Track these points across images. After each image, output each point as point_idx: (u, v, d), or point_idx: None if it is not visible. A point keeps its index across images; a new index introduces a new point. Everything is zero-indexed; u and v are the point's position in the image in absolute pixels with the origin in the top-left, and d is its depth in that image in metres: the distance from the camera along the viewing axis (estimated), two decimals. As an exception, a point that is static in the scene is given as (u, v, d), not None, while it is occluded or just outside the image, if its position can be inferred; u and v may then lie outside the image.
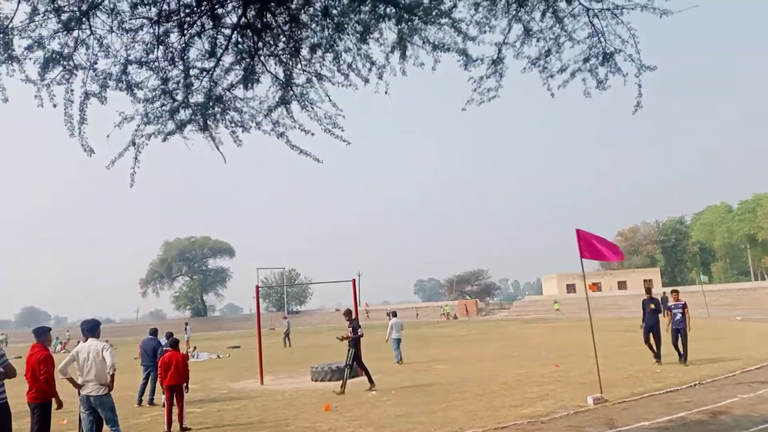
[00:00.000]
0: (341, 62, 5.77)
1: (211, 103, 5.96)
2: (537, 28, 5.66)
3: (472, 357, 19.84)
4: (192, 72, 5.77)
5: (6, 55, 4.99)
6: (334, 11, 5.46)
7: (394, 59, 5.78)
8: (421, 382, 13.92)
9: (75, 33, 5.17)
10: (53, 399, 7.50)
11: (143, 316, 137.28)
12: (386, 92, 5.99)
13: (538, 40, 5.71)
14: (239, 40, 5.66)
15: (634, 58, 5.49)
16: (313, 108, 5.97)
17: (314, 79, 5.90)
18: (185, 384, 10.13)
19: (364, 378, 14.20)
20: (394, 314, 20.28)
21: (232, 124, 6.11)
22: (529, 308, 66.93)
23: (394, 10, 5.41)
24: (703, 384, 11.15)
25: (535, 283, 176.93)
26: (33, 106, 5.31)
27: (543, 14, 5.57)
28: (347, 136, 6.05)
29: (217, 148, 6.16)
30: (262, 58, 5.79)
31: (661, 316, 15.02)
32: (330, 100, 5.94)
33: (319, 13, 5.48)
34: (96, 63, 5.39)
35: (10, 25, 4.89)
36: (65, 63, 5.24)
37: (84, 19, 5.09)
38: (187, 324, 40.18)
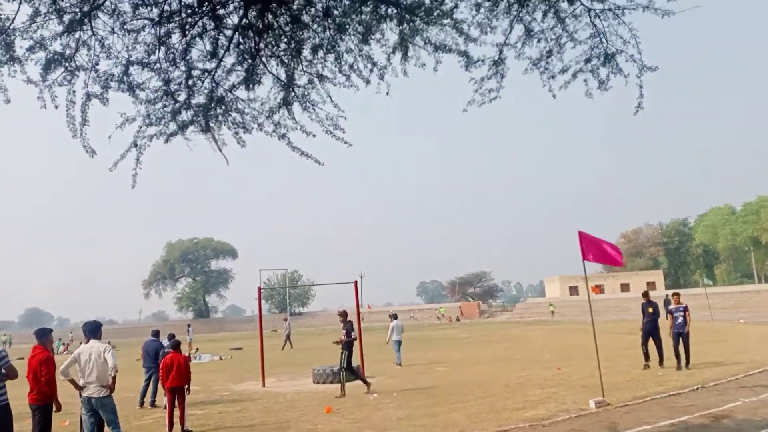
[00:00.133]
0: (343, 63, 5.78)
1: (212, 104, 5.97)
2: (538, 29, 5.66)
3: (473, 359, 19.80)
4: (194, 73, 5.78)
5: (7, 56, 5.00)
6: (336, 12, 5.47)
7: (395, 60, 5.78)
8: (422, 385, 13.89)
9: (77, 34, 5.17)
10: (53, 401, 7.49)
11: (146, 318, 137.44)
12: (387, 93, 6.00)
13: (539, 41, 5.71)
14: (241, 40, 5.67)
15: (636, 58, 5.49)
16: (314, 109, 5.97)
17: (316, 79, 5.91)
18: (187, 386, 10.11)
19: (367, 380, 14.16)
20: (395, 316, 20.27)
21: (234, 126, 6.11)
22: (531, 310, 66.82)
23: (395, 11, 5.42)
24: (706, 387, 11.10)
25: (537, 285, 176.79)
26: (33, 106, 5.33)
27: (544, 15, 5.56)
28: (349, 137, 6.05)
29: (220, 150, 6.16)
30: (263, 58, 5.80)
31: (663, 319, 14.87)
32: (332, 101, 5.95)
33: (321, 14, 5.48)
34: (98, 64, 5.41)
35: (11, 26, 4.90)
36: (67, 64, 5.25)
37: (85, 20, 5.09)
38: (189, 325, 40.19)
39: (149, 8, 5.23)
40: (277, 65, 5.88)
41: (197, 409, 11.97)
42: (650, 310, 14.64)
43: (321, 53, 5.75)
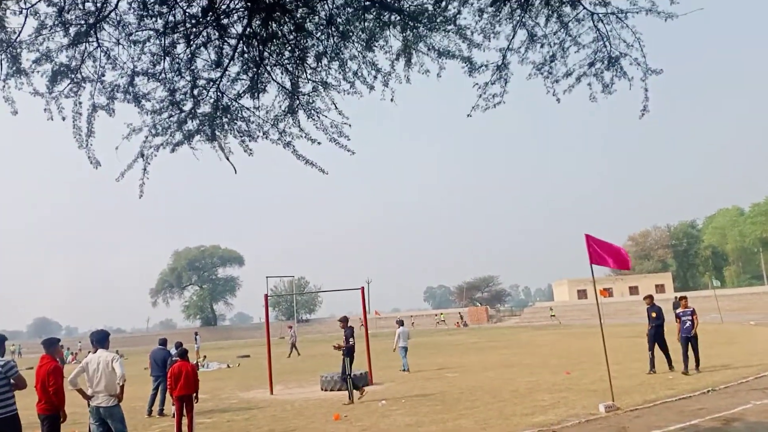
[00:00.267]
0: (347, 70, 5.79)
1: (218, 113, 5.99)
2: (541, 34, 5.65)
3: (482, 365, 19.74)
4: (199, 82, 5.80)
5: (14, 68, 5.04)
6: (339, 20, 5.48)
7: (399, 66, 5.79)
8: (431, 391, 13.85)
9: (82, 46, 5.22)
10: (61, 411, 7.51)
11: (154, 326, 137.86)
12: (392, 99, 6.00)
13: (542, 46, 5.70)
14: (245, 49, 5.69)
15: (640, 61, 5.47)
16: (319, 117, 5.98)
17: (320, 87, 5.92)
18: (195, 394, 10.12)
19: (375, 387, 14.14)
20: (401, 323, 20.25)
21: (240, 134, 6.13)
22: (540, 315, 66.52)
23: (398, 18, 5.43)
24: (716, 391, 11.02)
25: (546, 289, 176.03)
26: (37, 117, 5.37)
27: (547, 19, 5.56)
28: (354, 143, 6.06)
29: (227, 158, 6.18)
30: (268, 67, 5.82)
31: (673, 321, 14.72)
32: (336, 108, 5.96)
33: (324, 22, 5.50)
34: (103, 75, 5.45)
35: (18, 39, 4.95)
36: (73, 76, 5.30)
37: (91, 31, 5.14)
38: (197, 334, 40.17)
39: (154, 19, 5.27)
40: (282, 73, 5.91)
41: (205, 418, 11.98)
42: (653, 315, 14.41)
43: (325, 61, 5.77)
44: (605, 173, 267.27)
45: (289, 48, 5.72)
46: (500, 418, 9.86)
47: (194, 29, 5.44)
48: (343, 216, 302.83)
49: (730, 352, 17.67)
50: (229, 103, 6.01)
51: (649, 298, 15.14)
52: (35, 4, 4.89)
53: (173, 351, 12.57)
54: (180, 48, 5.53)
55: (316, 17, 5.53)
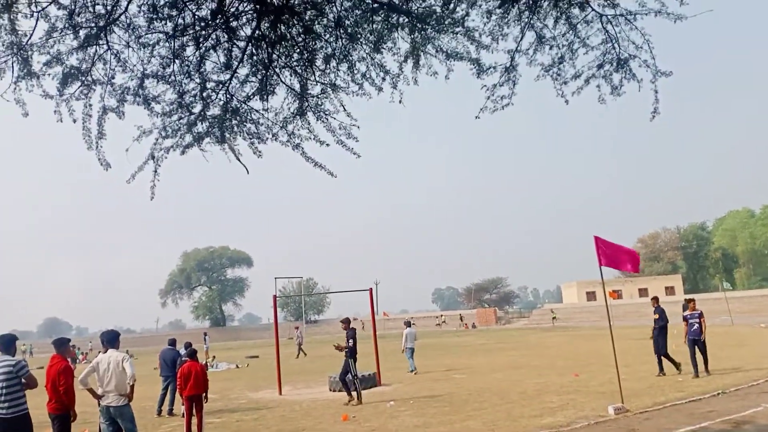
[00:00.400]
0: (355, 72, 5.81)
1: (227, 116, 6.01)
2: (550, 36, 5.64)
3: (490, 366, 19.70)
4: (208, 85, 5.83)
5: (25, 71, 5.09)
6: (347, 22, 5.50)
7: (407, 68, 5.80)
8: (439, 392, 13.84)
9: (92, 49, 5.26)
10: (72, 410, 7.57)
11: (163, 326, 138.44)
12: (400, 101, 6.01)
13: (551, 47, 5.69)
14: (254, 52, 5.72)
15: (649, 63, 5.44)
16: (327, 119, 6.00)
17: (329, 89, 5.94)
18: (204, 394, 10.17)
19: (383, 388, 14.14)
20: (408, 324, 20.25)
21: (249, 136, 6.15)
22: (548, 316, 66.26)
23: (407, 20, 5.44)
24: (726, 393, 10.94)
25: (555, 291, 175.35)
26: (37, 119, 5.41)
27: (556, 21, 5.55)
28: (362, 145, 6.07)
29: (238, 159, 6.20)
30: (276, 69, 5.84)
31: (679, 324, 14.54)
32: (345, 109, 5.98)
33: (333, 24, 5.52)
34: (113, 78, 5.48)
35: (29, 42, 5.00)
36: (83, 78, 5.33)
37: (101, 34, 5.18)
38: (206, 334, 40.35)
39: (164, 22, 5.30)
40: (291, 75, 5.93)
41: (215, 417, 12.03)
42: (656, 316, 14.29)
43: (333, 63, 5.78)
44: (614, 175, 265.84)
45: (298, 50, 5.75)
46: (508, 420, 9.84)
47: (203, 32, 5.47)
48: (352, 218, 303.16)
49: (741, 355, 17.54)
50: (239, 106, 6.03)
51: (655, 299, 15.06)
52: (46, 7, 4.94)
53: (183, 351, 12.64)
54: (189, 51, 5.56)
55: (325, 19, 5.55)
